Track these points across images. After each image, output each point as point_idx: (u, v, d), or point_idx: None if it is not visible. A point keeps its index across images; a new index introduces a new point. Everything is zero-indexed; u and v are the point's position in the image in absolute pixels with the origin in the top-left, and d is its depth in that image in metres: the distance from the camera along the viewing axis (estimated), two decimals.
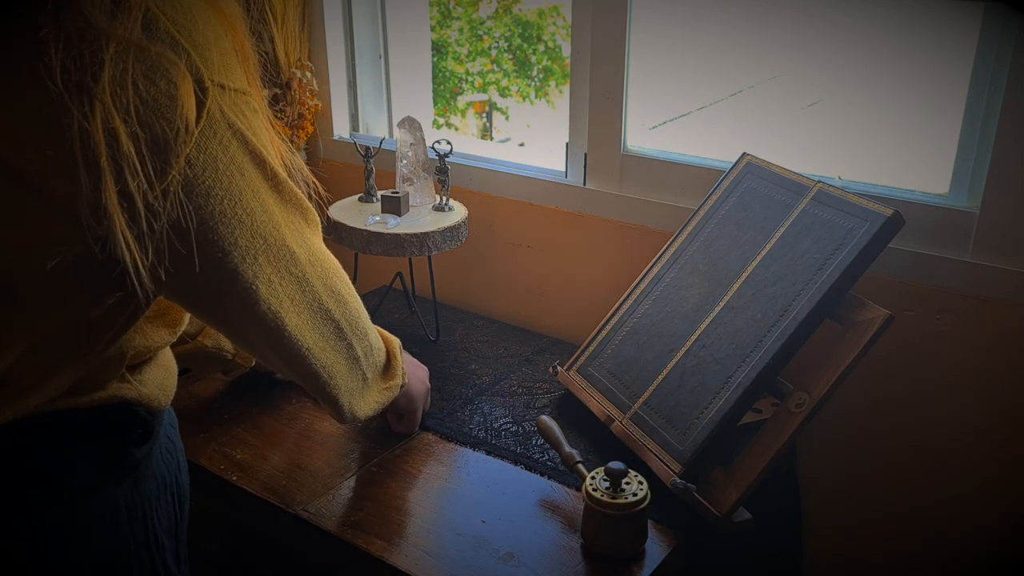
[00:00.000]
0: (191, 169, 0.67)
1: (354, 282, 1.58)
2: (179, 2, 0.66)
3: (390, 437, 1.27)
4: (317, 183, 0.88)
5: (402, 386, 1.09)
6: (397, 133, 1.53)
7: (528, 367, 1.49)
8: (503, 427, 1.30)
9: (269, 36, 1.70)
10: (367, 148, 1.55)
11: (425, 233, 1.43)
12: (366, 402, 1.01)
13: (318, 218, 0.84)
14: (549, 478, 1.19)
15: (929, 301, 1.28)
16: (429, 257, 1.54)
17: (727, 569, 1.18)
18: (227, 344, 1.19)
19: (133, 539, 0.84)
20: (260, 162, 0.74)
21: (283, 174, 0.78)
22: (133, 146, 0.63)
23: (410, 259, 1.60)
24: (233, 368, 1.25)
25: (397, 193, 1.50)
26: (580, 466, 1.13)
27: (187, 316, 0.91)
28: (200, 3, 0.68)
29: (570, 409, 1.34)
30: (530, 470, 1.20)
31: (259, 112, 0.75)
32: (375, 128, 1.90)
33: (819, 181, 1.22)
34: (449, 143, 1.50)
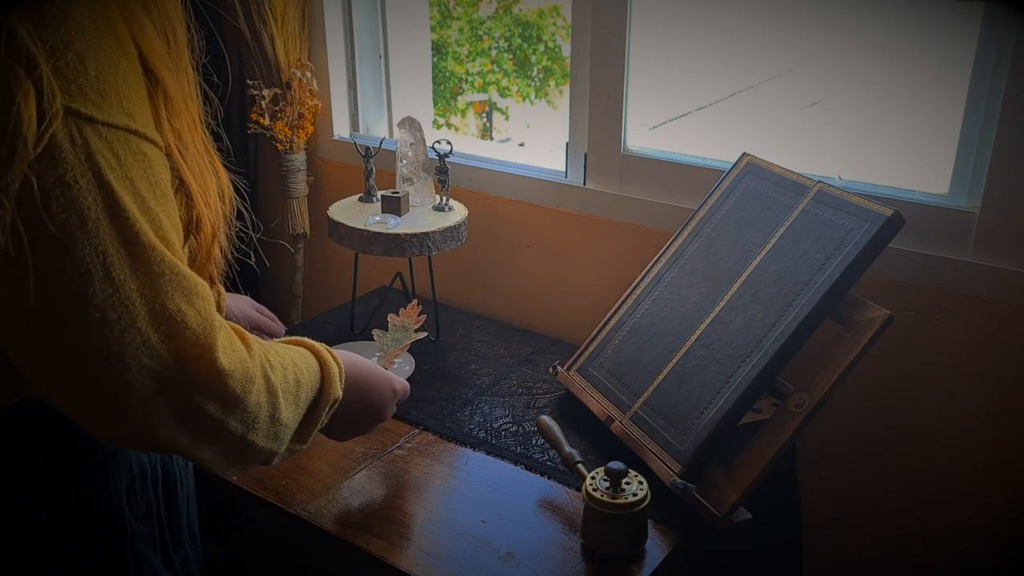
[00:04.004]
0: (25, 195, 0.60)
1: (354, 282, 1.60)
2: (61, 24, 0.61)
3: (390, 437, 1.27)
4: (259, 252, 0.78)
5: None
6: (397, 133, 1.53)
7: (528, 367, 1.49)
8: (503, 427, 1.30)
9: (269, 36, 1.70)
10: (367, 148, 1.55)
11: (425, 233, 1.43)
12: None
13: (206, 292, 0.70)
14: (549, 478, 1.19)
15: (929, 301, 1.28)
16: (429, 257, 1.54)
17: (727, 569, 1.18)
18: None
19: (96, 531, 0.83)
20: (118, 216, 0.63)
21: (152, 239, 0.65)
22: None
23: (410, 259, 1.60)
24: None
25: (397, 193, 1.50)
26: (580, 466, 1.13)
27: None
28: (93, 31, 0.63)
29: (570, 409, 1.34)
30: (530, 470, 1.20)
31: (152, 159, 0.66)
32: (375, 128, 1.90)
33: (819, 181, 1.22)
34: (449, 143, 1.50)
